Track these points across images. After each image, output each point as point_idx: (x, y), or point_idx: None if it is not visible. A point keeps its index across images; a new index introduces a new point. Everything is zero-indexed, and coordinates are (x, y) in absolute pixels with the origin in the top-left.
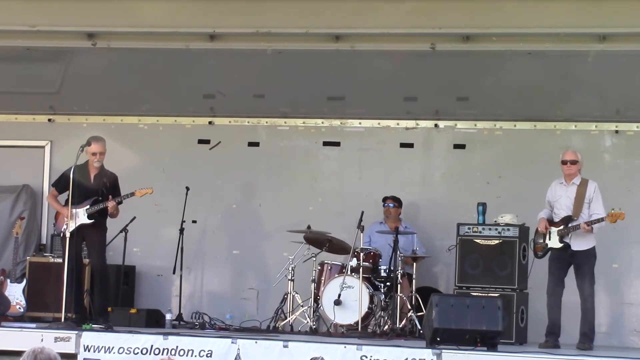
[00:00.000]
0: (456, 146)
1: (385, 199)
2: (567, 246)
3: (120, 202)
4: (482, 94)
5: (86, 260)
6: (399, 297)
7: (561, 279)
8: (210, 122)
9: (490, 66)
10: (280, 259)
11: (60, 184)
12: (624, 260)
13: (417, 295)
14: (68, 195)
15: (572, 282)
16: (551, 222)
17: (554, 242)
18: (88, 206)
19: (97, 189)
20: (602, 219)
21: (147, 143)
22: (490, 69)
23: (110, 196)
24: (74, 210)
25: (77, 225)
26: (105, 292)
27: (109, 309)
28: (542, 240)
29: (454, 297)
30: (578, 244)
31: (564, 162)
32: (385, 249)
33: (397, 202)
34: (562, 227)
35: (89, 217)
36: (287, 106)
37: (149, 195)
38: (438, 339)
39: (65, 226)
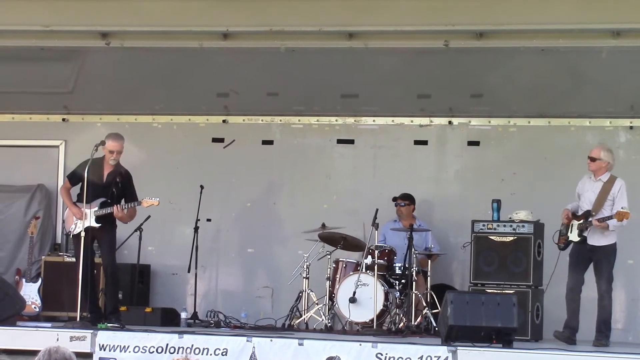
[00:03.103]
0: (470, 143)
1: (395, 199)
2: (585, 240)
3: (124, 209)
4: (496, 91)
5: (100, 259)
6: (414, 294)
7: (580, 274)
8: (224, 121)
9: (503, 63)
10: (295, 257)
11: (74, 178)
12: None
13: (432, 293)
14: (81, 192)
15: (590, 278)
16: (575, 215)
17: (573, 236)
18: (96, 208)
19: (108, 188)
20: (610, 217)
21: (161, 142)
22: (503, 66)
23: (117, 203)
24: (85, 210)
25: (85, 227)
26: (115, 292)
27: (123, 307)
28: (565, 233)
29: (469, 294)
30: (595, 239)
31: (588, 157)
32: (400, 247)
33: (409, 199)
34: (582, 221)
35: (97, 220)
36: (300, 104)
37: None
38: (453, 336)
39: (74, 226)
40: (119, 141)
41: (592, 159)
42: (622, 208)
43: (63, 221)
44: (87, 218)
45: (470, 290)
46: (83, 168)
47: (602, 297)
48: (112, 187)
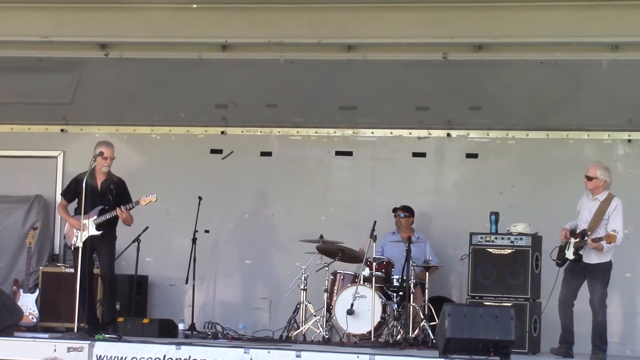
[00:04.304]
0: (469, 155)
1: (395, 210)
2: (580, 258)
3: (127, 209)
4: (495, 103)
5: (98, 270)
6: (411, 306)
7: (572, 290)
8: (222, 132)
9: (502, 75)
10: (293, 269)
11: (68, 193)
12: (638, 270)
13: (430, 305)
14: (79, 205)
15: (586, 293)
16: (573, 234)
17: (569, 254)
18: (95, 216)
19: (104, 196)
20: (600, 238)
21: (160, 153)
22: (502, 78)
23: (119, 204)
24: (84, 221)
25: (86, 237)
26: (113, 303)
27: (121, 318)
28: (563, 250)
29: (467, 307)
30: (590, 258)
31: (585, 176)
32: (398, 259)
33: (408, 211)
34: (578, 239)
35: (97, 227)
36: (299, 116)
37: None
38: (451, 348)
39: (75, 239)
40: (111, 147)
41: (589, 178)
42: (612, 231)
43: (64, 237)
44: (87, 228)
45: (468, 302)
46: (75, 184)
47: (597, 314)
48: (107, 195)
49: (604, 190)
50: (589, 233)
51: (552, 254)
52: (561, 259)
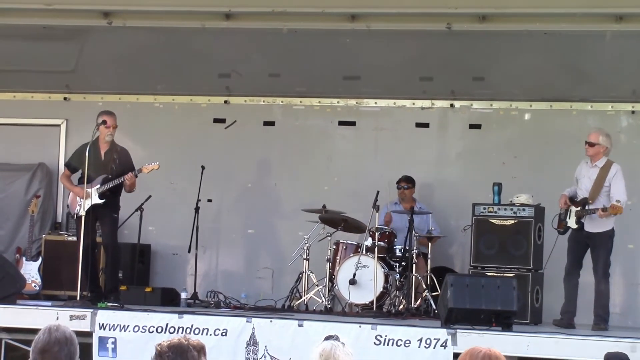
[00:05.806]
0: (472, 126)
1: (398, 182)
2: (582, 227)
3: (136, 175)
4: (498, 74)
5: (101, 239)
6: (414, 276)
7: (578, 259)
8: (225, 101)
9: (506, 46)
10: (296, 238)
11: (71, 166)
12: None
13: (432, 275)
14: (82, 174)
15: (589, 263)
16: (573, 201)
17: (572, 222)
18: (99, 185)
19: (107, 165)
20: (606, 209)
21: (163, 122)
22: (506, 49)
23: (123, 174)
24: (87, 190)
25: (89, 205)
26: (115, 272)
27: (123, 287)
28: (564, 218)
29: (469, 277)
30: (592, 226)
31: (586, 142)
32: (400, 229)
33: (411, 182)
34: (579, 208)
35: (100, 196)
36: (302, 85)
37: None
38: (453, 318)
39: (78, 207)
40: (113, 116)
41: (591, 144)
42: (617, 202)
43: (68, 205)
44: (91, 197)
45: (470, 273)
46: (79, 154)
47: (599, 283)
48: (110, 164)
49: (603, 157)
50: (590, 201)
51: (553, 223)
52: (563, 228)
